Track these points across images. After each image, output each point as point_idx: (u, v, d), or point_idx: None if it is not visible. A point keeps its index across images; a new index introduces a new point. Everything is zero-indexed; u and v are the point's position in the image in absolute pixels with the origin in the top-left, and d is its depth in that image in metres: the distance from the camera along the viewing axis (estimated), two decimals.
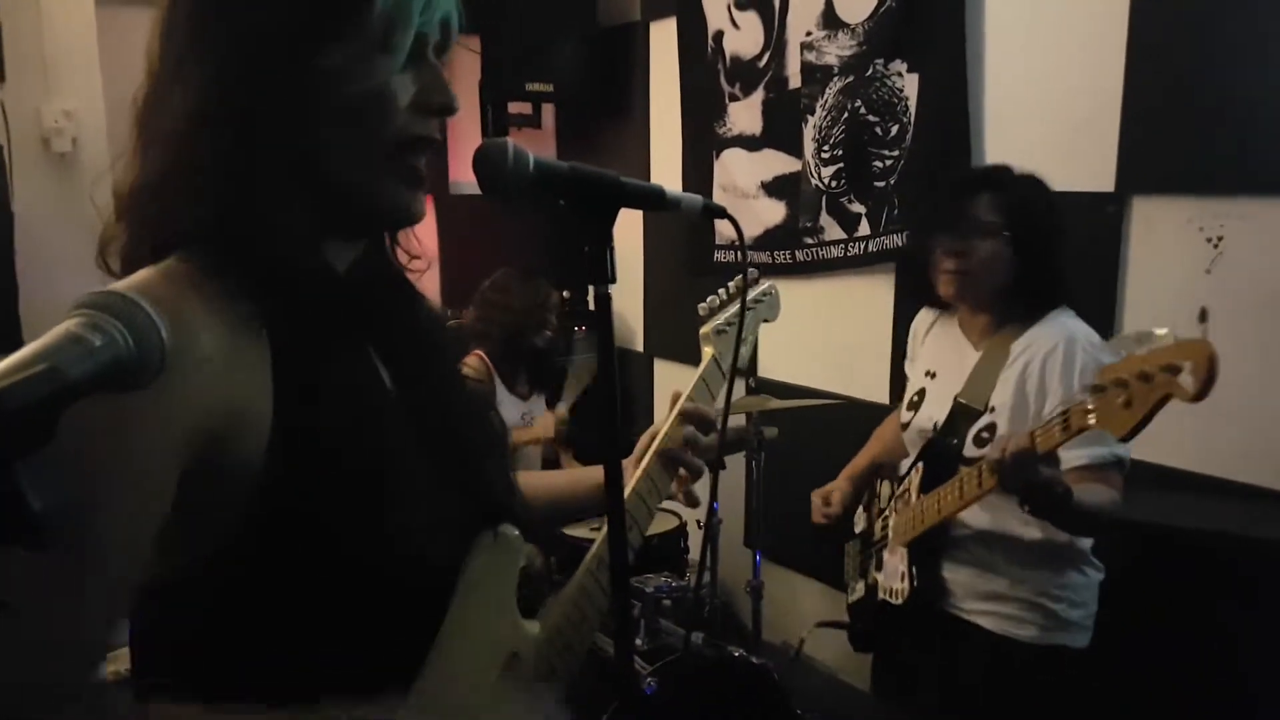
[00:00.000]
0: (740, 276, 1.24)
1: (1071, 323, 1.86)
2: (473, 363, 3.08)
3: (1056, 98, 2.52)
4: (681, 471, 1.12)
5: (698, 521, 2.87)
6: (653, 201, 0.87)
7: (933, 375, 2.04)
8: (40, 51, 2.93)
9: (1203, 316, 1.36)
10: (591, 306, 0.84)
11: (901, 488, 2.04)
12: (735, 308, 1.23)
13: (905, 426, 2.06)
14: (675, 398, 1.15)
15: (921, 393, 2.04)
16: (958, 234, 1.87)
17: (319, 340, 0.79)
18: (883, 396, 3.01)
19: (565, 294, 4.14)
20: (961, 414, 1.91)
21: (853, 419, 2.84)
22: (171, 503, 0.70)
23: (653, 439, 1.13)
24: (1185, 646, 1.96)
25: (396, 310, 0.91)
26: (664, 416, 1.15)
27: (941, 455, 1.91)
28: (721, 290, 1.25)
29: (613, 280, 0.84)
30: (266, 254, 0.76)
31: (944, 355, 2.02)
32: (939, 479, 1.85)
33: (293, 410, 0.74)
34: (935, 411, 1.97)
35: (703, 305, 1.23)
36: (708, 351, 1.21)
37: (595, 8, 4.00)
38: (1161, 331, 1.37)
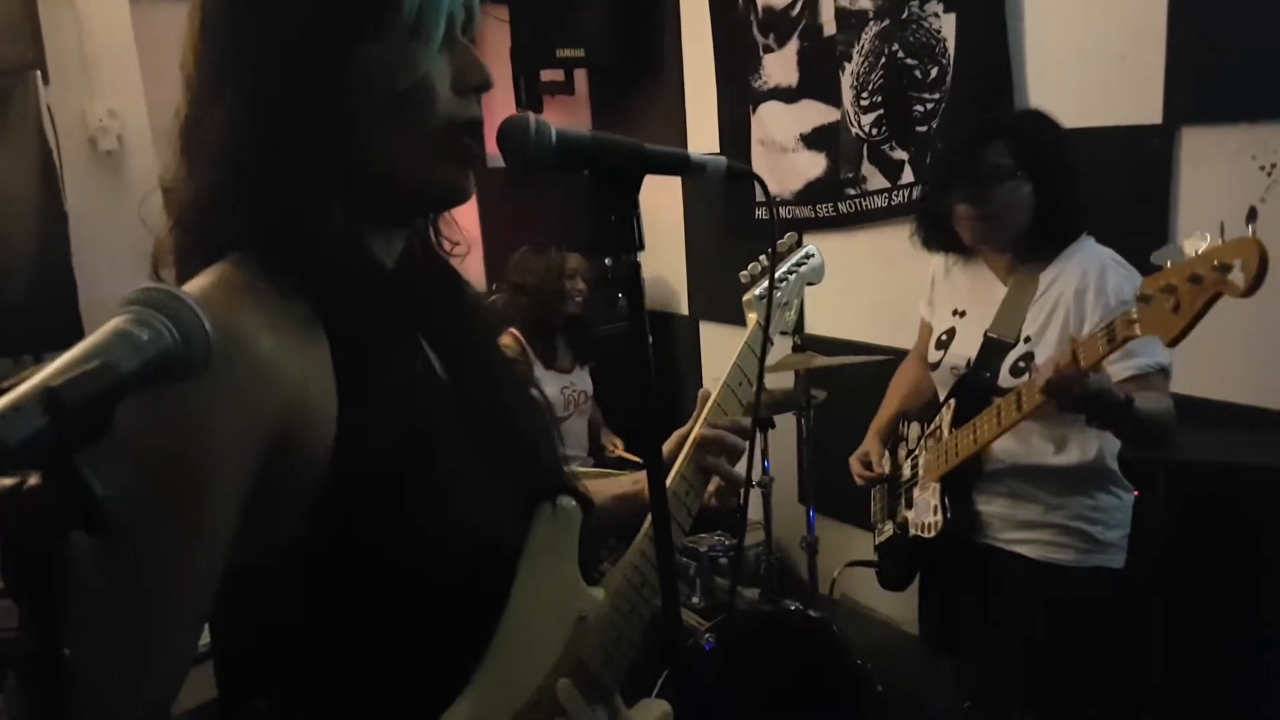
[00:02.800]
0: (784, 238, 1.24)
1: (1099, 248, 1.89)
2: (507, 342, 3.09)
3: (1098, 29, 2.44)
4: (715, 480, 1.11)
5: (751, 480, 2.88)
6: (677, 166, 0.86)
7: (961, 314, 2.06)
8: (80, 52, 2.99)
9: (1251, 216, 1.38)
10: (621, 275, 0.84)
11: (932, 426, 2.08)
12: (776, 274, 1.24)
13: (935, 366, 2.09)
14: (704, 397, 1.14)
15: (951, 331, 2.07)
16: (974, 182, 1.89)
17: (375, 334, 0.81)
18: None
19: (608, 261, 4.15)
20: (992, 348, 1.94)
21: None
22: (244, 503, 0.72)
23: (680, 440, 1.12)
24: (1234, 581, 1.95)
25: (444, 298, 0.93)
26: (692, 418, 1.14)
27: (974, 389, 1.95)
28: (762, 257, 1.25)
29: (641, 248, 0.84)
30: (319, 254, 0.78)
31: (972, 293, 2.04)
32: (971, 413, 1.90)
33: (356, 405, 0.76)
34: (966, 348, 2.00)
35: (744, 273, 1.23)
36: (752, 318, 1.21)
37: None
38: (1208, 236, 1.40)
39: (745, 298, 1.25)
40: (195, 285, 0.74)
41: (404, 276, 0.88)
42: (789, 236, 1.36)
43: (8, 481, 0.40)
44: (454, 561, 0.82)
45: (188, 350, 0.50)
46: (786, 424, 3.12)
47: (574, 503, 0.95)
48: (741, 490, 1.12)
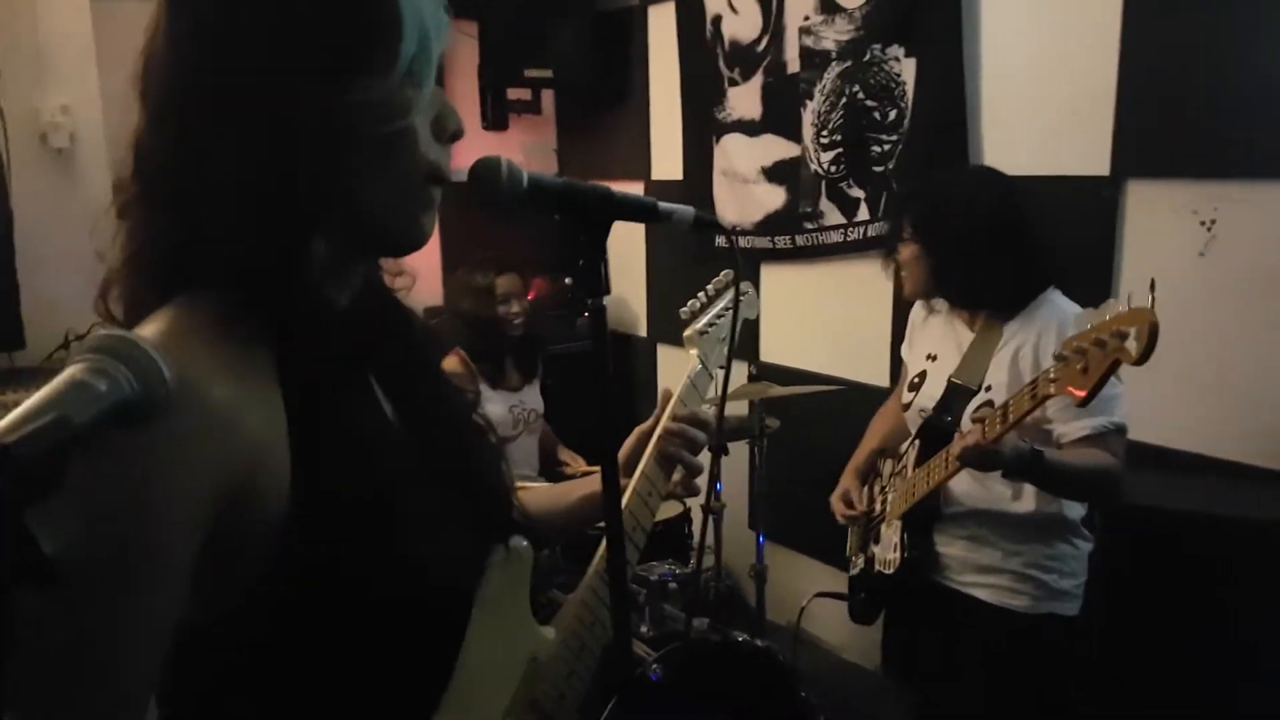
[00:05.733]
0: (720, 276, 1.26)
1: (1062, 303, 1.94)
2: (452, 364, 2.99)
3: (1053, 82, 2.51)
4: (679, 471, 1.13)
5: (702, 506, 2.90)
6: (645, 214, 0.88)
7: (933, 358, 2.12)
8: (35, 47, 2.92)
9: (1152, 286, 1.43)
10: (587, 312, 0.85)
11: (900, 464, 2.14)
12: (716, 309, 1.26)
13: (907, 407, 2.15)
14: (666, 395, 1.16)
15: (923, 375, 2.13)
16: (890, 246, 2.11)
17: (328, 381, 0.78)
18: (883, 380, 3.03)
19: (568, 280, 4.14)
20: (956, 392, 2.00)
21: (853, 402, 2.86)
22: (197, 556, 0.69)
23: (641, 437, 1.14)
24: (1179, 624, 2.00)
25: (393, 338, 0.91)
26: (654, 415, 1.15)
27: (937, 432, 2.00)
28: (701, 294, 1.27)
29: (606, 292, 0.86)
30: (285, 299, 0.75)
31: (943, 339, 2.11)
32: (933, 454, 1.95)
33: (310, 454, 0.74)
34: (934, 391, 2.06)
35: (684, 310, 1.25)
36: (693, 354, 1.23)
37: None
38: (1116, 301, 1.47)
39: (686, 333, 1.27)
40: (150, 329, 0.71)
41: (358, 320, 0.86)
42: (725, 274, 1.37)
43: None
44: (411, 606, 0.81)
45: (146, 400, 0.49)
46: (739, 451, 3.14)
47: (525, 543, 0.95)
48: (702, 494, 1.15)
